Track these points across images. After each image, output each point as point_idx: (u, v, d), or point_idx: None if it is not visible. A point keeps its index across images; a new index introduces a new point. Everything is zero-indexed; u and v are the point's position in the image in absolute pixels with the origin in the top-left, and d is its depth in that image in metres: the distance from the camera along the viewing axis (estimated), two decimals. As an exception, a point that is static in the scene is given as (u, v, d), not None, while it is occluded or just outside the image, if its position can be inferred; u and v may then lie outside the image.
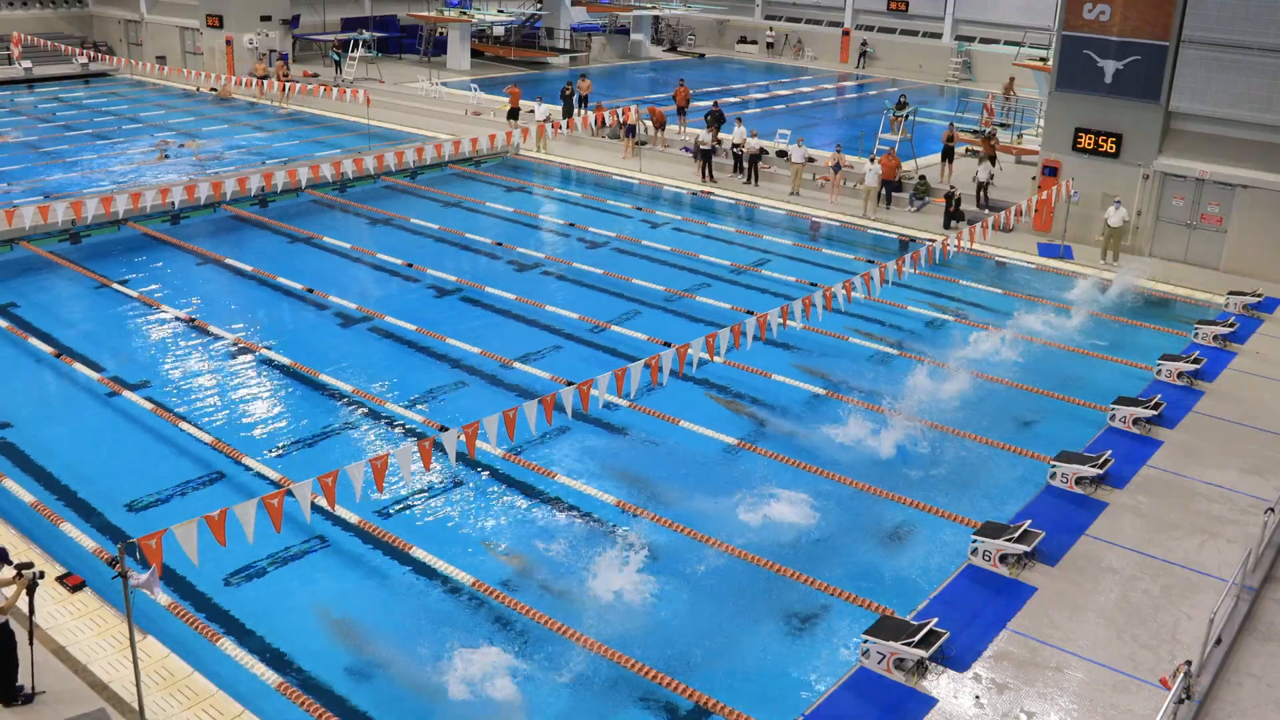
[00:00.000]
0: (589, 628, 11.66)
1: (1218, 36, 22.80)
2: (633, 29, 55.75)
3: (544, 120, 34.05)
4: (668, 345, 16.67)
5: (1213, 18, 22.69)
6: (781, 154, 31.31)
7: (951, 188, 27.08)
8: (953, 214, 26.32)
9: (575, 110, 35.58)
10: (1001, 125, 35.23)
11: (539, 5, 52.71)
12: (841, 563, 13.14)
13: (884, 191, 27.71)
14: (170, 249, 23.93)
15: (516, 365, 18.25)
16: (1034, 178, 26.89)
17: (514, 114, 34.10)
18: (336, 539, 13.31)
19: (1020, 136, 33.14)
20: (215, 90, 41.32)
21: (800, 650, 11.64)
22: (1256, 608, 12.17)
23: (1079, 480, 14.47)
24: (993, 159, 27.65)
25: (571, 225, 26.63)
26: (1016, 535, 12.77)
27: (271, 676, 10.75)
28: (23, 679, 10.01)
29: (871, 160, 27.68)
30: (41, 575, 9.89)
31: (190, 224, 25.70)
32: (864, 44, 53.90)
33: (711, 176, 30.40)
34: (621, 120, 32.82)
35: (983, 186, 27.10)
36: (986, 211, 25.65)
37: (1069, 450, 15.21)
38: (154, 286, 21.50)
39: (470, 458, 14.80)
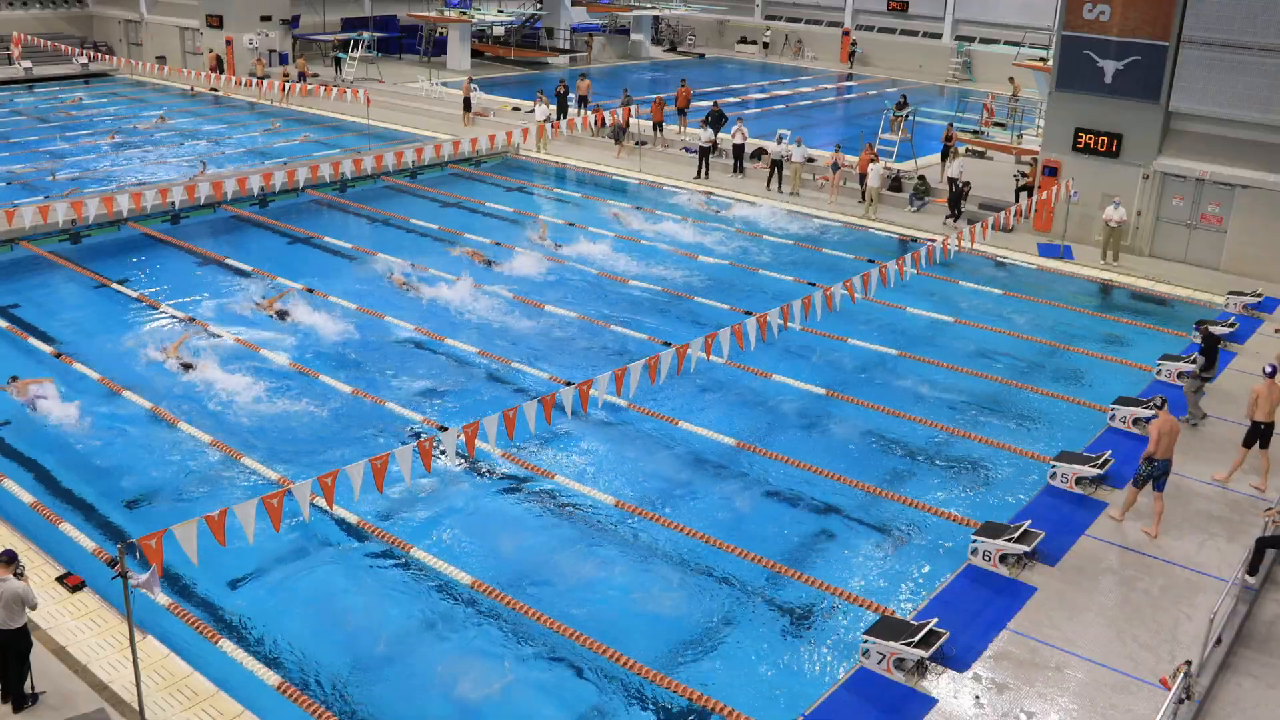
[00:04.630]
0: (588, 626, 11.66)
1: (1218, 36, 22.79)
2: (633, 29, 55.75)
3: (544, 120, 34.07)
4: (667, 345, 16.67)
5: (1213, 18, 22.68)
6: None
7: (964, 184, 27.04)
8: (955, 213, 26.28)
9: (576, 110, 35.58)
10: (999, 125, 35.22)
11: (539, 5, 52.72)
12: (842, 563, 13.15)
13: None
14: (170, 249, 23.94)
15: (516, 365, 18.25)
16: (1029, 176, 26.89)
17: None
18: (336, 539, 13.32)
19: (1020, 136, 33.14)
20: (216, 90, 41.35)
21: (800, 650, 11.64)
22: (1256, 608, 12.18)
23: (1079, 480, 14.47)
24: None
25: (571, 225, 26.62)
26: (1016, 535, 12.77)
27: (271, 676, 10.76)
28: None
29: (871, 159, 27.68)
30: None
31: (190, 224, 25.70)
32: (853, 43, 53.90)
33: (707, 175, 30.53)
34: (609, 121, 32.90)
35: (954, 181, 27.02)
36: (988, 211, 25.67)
37: (1069, 450, 15.22)
38: (154, 286, 21.50)
39: (470, 458, 14.84)
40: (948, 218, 26.74)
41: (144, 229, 24.88)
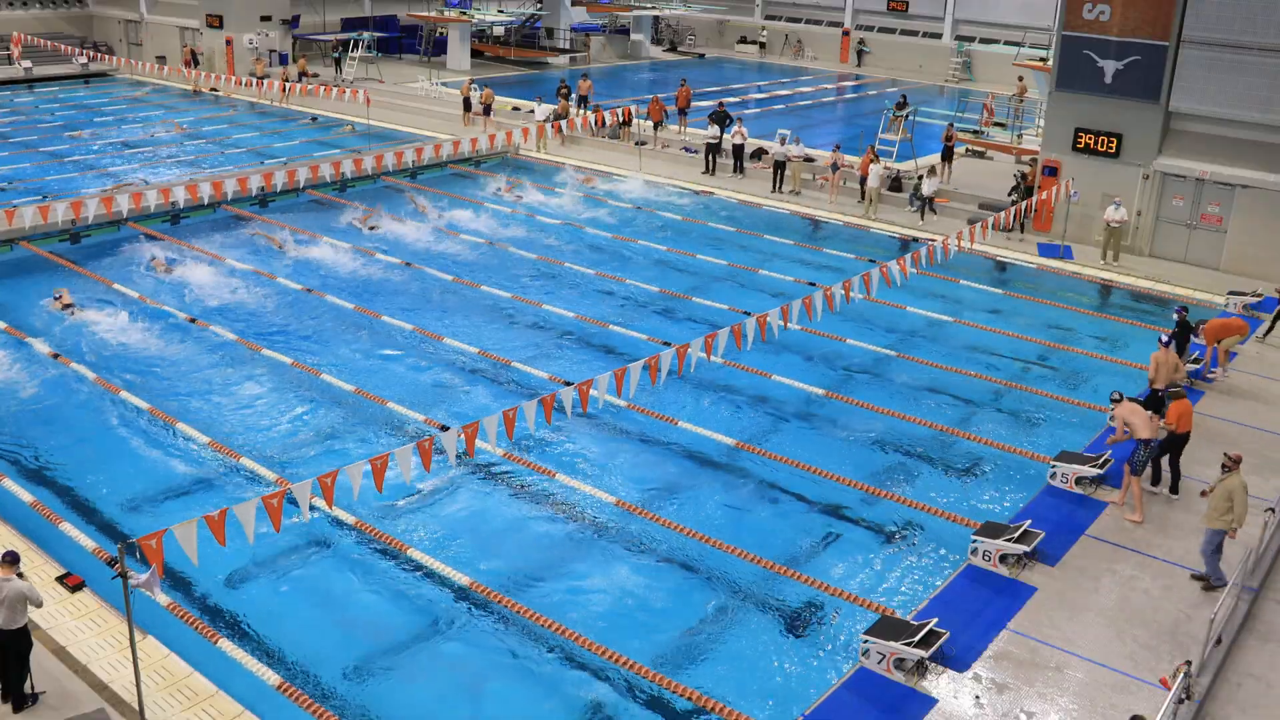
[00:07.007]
0: (588, 627, 11.66)
1: (1218, 36, 22.79)
2: (633, 29, 55.73)
3: (544, 120, 34.06)
4: (667, 345, 16.66)
5: (1213, 18, 22.68)
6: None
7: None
8: (1022, 193, 26.15)
9: (576, 110, 35.57)
10: (999, 125, 35.20)
11: (539, 5, 52.71)
12: (841, 563, 13.14)
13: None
14: (170, 249, 23.90)
15: (516, 365, 18.25)
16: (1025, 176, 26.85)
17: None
18: (335, 539, 13.31)
19: (1020, 137, 33.14)
20: (216, 90, 41.34)
21: (800, 650, 11.64)
22: (1256, 608, 12.18)
23: (1079, 480, 14.47)
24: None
25: (570, 225, 26.63)
26: (1016, 535, 12.77)
27: (271, 676, 10.75)
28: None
29: (872, 160, 27.67)
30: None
31: (190, 224, 25.69)
32: (861, 42, 53.97)
33: (713, 171, 30.69)
34: (613, 121, 33.00)
35: (928, 200, 26.95)
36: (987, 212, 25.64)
37: (1069, 450, 15.22)
38: (154, 286, 21.49)
39: (470, 457, 14.84)
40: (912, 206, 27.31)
41: (144, 229, 24.86)
